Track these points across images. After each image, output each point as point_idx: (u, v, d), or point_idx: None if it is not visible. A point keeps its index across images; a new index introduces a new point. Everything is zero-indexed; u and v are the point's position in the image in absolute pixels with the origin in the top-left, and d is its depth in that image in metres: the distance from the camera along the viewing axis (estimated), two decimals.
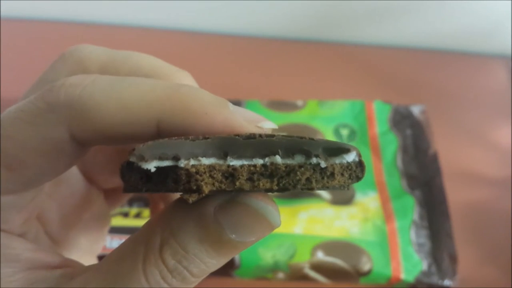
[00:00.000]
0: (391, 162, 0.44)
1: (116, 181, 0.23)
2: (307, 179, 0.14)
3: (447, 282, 0.38)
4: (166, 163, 0.14)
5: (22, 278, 0.16)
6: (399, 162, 0.44)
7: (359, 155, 0.15)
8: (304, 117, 0.46)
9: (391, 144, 0.45)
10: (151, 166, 0.14)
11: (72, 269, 0.17)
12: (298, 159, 0.15)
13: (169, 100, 0.15)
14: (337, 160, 0.15)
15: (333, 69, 0.56)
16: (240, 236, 0.15)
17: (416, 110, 0.47)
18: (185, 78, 0.20)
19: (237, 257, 0.37)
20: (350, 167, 0.15)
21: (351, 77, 0.55)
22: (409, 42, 0.59)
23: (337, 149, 0.15)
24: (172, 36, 0.57)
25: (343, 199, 0.42)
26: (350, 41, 0.59)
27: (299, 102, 0.47)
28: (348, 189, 0.15)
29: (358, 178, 0.15)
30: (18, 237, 0.17)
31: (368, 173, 0.44)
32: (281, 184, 0.14)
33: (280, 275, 0.38)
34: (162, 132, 0.15)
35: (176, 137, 0.14)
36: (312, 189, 0.15)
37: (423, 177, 0.44)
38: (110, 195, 0.24)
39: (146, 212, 0.40)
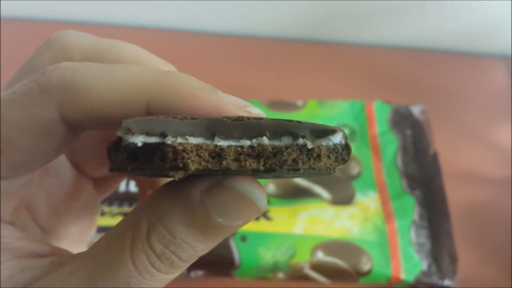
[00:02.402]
0: (391, 162, 0.44)
1: (105, 170, 0.23)
2: (294, 160, 0.15)
3: (447, 282, 0.38)
4: (153, 139, 0.14)
5: (12, 266, 0.16)
6: (399, 162, 0.44)
7: (345, 137, 0.15)
8: (304, 117, 0.46)
9: (391, 144, 0.45)
10: (138, 140, 0.14)
11: (61, 257, 0.17)
12: (285, 140, 0.15)
13: (158, 82, 0.15)
14: (323, 142, 0.15)
15: (333, 69, 0.56)
16: (227, 219, 0.15)
17: (416, 110, 0.47)
18: None
19: (237, 257, 0.37)
20: (336, 150, 0.15)
21: (351, 77, 0.55)
22: (409, 42, 0.59)
23: (323, 131, 0.15)
24: (172, 36, 0.57)
25: (343, 199, 0.42)
26: (350, 41, 0.59)
27: (299, 102, 0.47)
28: (334, 171, 0.16)
29: (344, 161, 0.15)
30: (8, 224, 0.17)
31: (368, 173, 0.44)
32: (267, 165, 0.14)
33: (280, 275, 0.38)
34: (151, 112, 0.15)
35: (164, 115, 0.14)
36: (298, 169, 0.15)
37: (423, 177, 0.44)
38: (99, 184, 0.24)
39: None
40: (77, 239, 0.23)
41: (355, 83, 0.54)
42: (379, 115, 0.47)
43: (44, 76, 0.15)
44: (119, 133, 0.14)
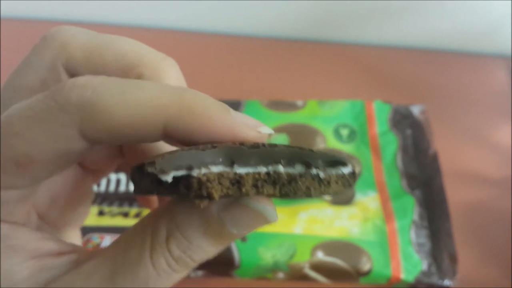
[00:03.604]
0: (391, 162, 0.44)
1: (104, 164, 0.24)
2: (307, 187, 0.16)
3: (447, 282, 0.38)
4: (181, 172, 0.15)
5: (30, 267, 0.16)
6: (399, 162, 0.44)
7: (353, 166, 0.17)
8: (304, 117, 0.46)
9: (391, 144, 0.45)
10: (170, 177, 0.15)
11: (78, 254, 0.17)
12: (299, 168, 0.16)
13: (175, 105, 0.16)
14: (334, 172, 0.16)
15: (333, 69, 0.56)
16: (240, 230, 0.16)
17: (416, 110, 0.47)
18: (171, 67, 0.20)
19: (237, 257, 0.37)
20: (344, 177, 0.17)
21: (351, 77, 0.55)
22: (409, 42, 0.59)
23: (335, 162, 0.16)
24: (172, 36, 0.57)
25: (343, 199, 0.42)
26: (350, 41, 0.59)
27: (299, 102, 0.47)
28: (340, 195, 0.17)
29: (350, 186, 0.17)
30: (23, 226, 0.18)
31: (368, 173, 0.44)
32: (283, 191, 0.16)
33: (280, 275, 0.38)
34: (168, 133, 0.16)
35: (187, 147, 0.15)
36: (310, 196, 0.16)
37: (423, 177, 0.44)
38: (94, 173, 0.25)
39: (146, 212, 0.40)
40: (72, 225, 0.24)
41: (355, 83, 0.54)
42: (379, 115, 0.47)
43: (62, 94, 0.15)
44: (151, 170, 0.15)
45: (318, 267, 0.38)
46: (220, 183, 0.15)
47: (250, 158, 0.16)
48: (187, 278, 0.39)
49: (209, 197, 0.15)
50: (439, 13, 0.57)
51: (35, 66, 0.20)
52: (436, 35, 0.59)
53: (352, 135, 0.46)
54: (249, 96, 0.49)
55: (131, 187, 0.41)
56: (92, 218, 0.39)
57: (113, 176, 0.42)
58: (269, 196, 0.16)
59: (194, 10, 0.57)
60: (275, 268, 0.38)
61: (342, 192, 0.17)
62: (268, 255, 0.38)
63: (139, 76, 0.20)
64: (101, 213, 0.39)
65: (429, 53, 0.59)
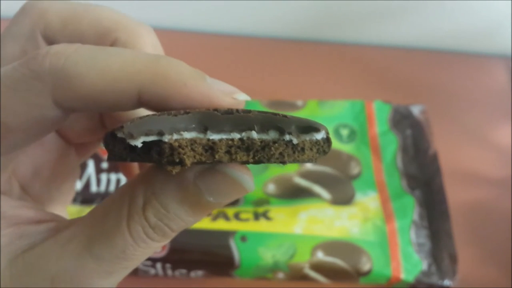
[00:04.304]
0: (391, 162, 0.44)
1: (87, 137, 0.24)
2: (280, 153, 0.16)
3: (447, 282, 0.38)
4: (152, 138, 0.15)
5: (9, 233, 0.17)
6: (399, 162, 0.44)
7: (327, 132, 0.17)
8: (304, 117, 0.46)
9: (391, 144, 0.45)
10: (139, 142, 0.15)
11: (57, 222, 0.18)
12: (272, 134, 0.16)
13: (149, 71, 0.16)
14: (307, 137, 0.16)
15: (333, 69, 0.56)
16: (217, 199, 0.16)
17: (416, 110, 0.47)
18: (147, 33, 0.20)
19: (237, 257, 0.37)
20: (318, 143, 0.16)
21: (351, 77, 0.55)
22: (409, 42, 0.59)
23: (308, 127, 0.16)
24: (172, 36, 0.57)
25: (343, 199, 0.42)
26: (350, 41, 0.59)
27: (299, 102, 0.47)
28: (316, 162, 0.17)
29: (325, 153, 0.17)
30: (2, 194, 0.18)
31: (368, 173, 0.44)
32: (256, 157, 0.16)
33: (280, 275, 0.38)
34: (143, 100, 0.16)
35: (159, 113, 0.15)
36: (284, 162, 0.16)
37: (423, 177, 0.44)
38: (79, 148, 0.25)
39: None
40: (58, 201, 0.24)
41: (355, 83, 0.54)
42: (379, 115, 0.47)
43: (36, 62, 0.15)
44: (120, 134, 0.15)
45: (318, 267, 0.38)
46: (192, 149, 0.15)
47: (224, 124, 0.15)
48: (187, 278, 0.39)
49: (181, 163, 0.14)
50: (439, 13, 0.57)
51: (15, 36, 0.20)
52: (436, 35, 0.59)
53: (352, 135, 0.46)
54: (249, 96, 0.49)
55: None
56: None
57: (113, 176, 0.42)
58: (243, 162, 0.16)
59: (194, 10, 0.57)
60: (275, 268, 0.38)
61: (317, 159, 0.16)
62: (268, 255, 0.38)
63: (115, 41, 0.20)
64: None
65: (429, 53, 0.59)
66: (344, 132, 0.46)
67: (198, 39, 0.57)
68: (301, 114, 0.46)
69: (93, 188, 0.41)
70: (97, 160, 0.42)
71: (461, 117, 0.53)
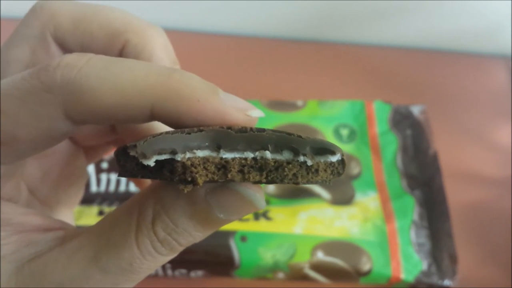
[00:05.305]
0: (391, 162, 0.44)
1: (96, 140, 0.23)
2: (294, 174, 0.15)
3: (447, 282, 0.38)
4: (164, 156, 0.15)
5: (16, 240, 0.16)
6: (399, 162, 0.44)
7: (342, 154, 0.16)
8: (304, 117, 0.46)
9: (391, 144, 0.45)
10: (151, 161, 0.14)
11: (64, 231, 0.17)
12: (286, 155, 0.15)
13: (162, 87, 0.15)
14: (322, 159, 0.16)
15: (333, 69, 0.56)
16: (227, 216, 0.16)
17: (416, 110, 0.47)
18: (157, 35, 0.20)
19: (237, 257, 0.37)
20: (333, 165, 0.16)
21: (351, 77, 0.55)
22: (409, 42, 0.59)
23: (323, 150, 0.16)
24: (172, 36, 0.57)
25: (343, 199, 0.42)
26: (350, 41, 0.59)
27: (299, 102, 0.47)
28: (330, 183, 0.16)
29: (339, 174, 0.16)
30: (8, 201, 0.18)
31: (368, 173, 0.44)
32: (269, 178, 0.15)
33: (280, 275, 0.38)
34: (155, 115, 0.16)
35: (172, 130, 0.15)
36: (297, 183, 0.15)
37: (423, 177, 0.44)
38: (88, 151, 0.24)
39: None
40: (65, 205, 0.23)
41: (355, 83, 0.54)
42: (379, 115, 0.47)
43: (47, 74, 0.15)
44: (132, 153, 0.15)
45: (318, 267, 0.38)
46: (205, 168, 0.15)
47: (237, 143, 0.15)
48: (187, 278, 0.39)
49: (193, 182, 0.14)
50: (439, 13, 0.57)
51: (25, 37, 0.20)
52: (436, 35, 0.59)
53: (352, 135, 0.46)
54: (249, 96, 0.49)
55: (131, 187, 0.41)
56: (92, 218, 0.38)
57: (113, 176, 0.42)
58: (256, 182, 0.15)
59: (194, 10, 0.57)
60: (275, 268, 0.38)
61: (331, 180, 0.16)
62: (268, 255, 0.38)
63: (126, 43, 0.20)
64: (101, 213, 0.39)
65: (429, 53, 0.59)
66: (344, 132, 0.46)
67: (198, 39, 0.57)
68: (301, 114, 0.46)
69: (93, 188, 0.41)
70: (97, 160, 0.42)
71: (461, 117, 0.53)
